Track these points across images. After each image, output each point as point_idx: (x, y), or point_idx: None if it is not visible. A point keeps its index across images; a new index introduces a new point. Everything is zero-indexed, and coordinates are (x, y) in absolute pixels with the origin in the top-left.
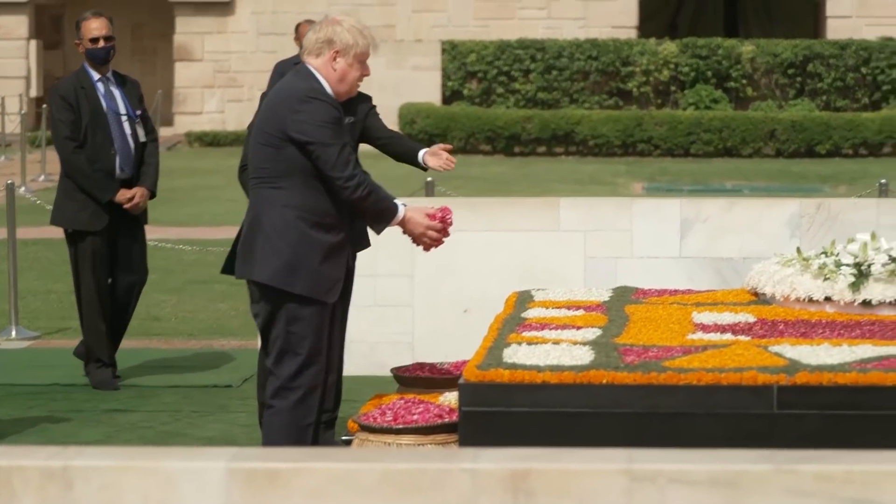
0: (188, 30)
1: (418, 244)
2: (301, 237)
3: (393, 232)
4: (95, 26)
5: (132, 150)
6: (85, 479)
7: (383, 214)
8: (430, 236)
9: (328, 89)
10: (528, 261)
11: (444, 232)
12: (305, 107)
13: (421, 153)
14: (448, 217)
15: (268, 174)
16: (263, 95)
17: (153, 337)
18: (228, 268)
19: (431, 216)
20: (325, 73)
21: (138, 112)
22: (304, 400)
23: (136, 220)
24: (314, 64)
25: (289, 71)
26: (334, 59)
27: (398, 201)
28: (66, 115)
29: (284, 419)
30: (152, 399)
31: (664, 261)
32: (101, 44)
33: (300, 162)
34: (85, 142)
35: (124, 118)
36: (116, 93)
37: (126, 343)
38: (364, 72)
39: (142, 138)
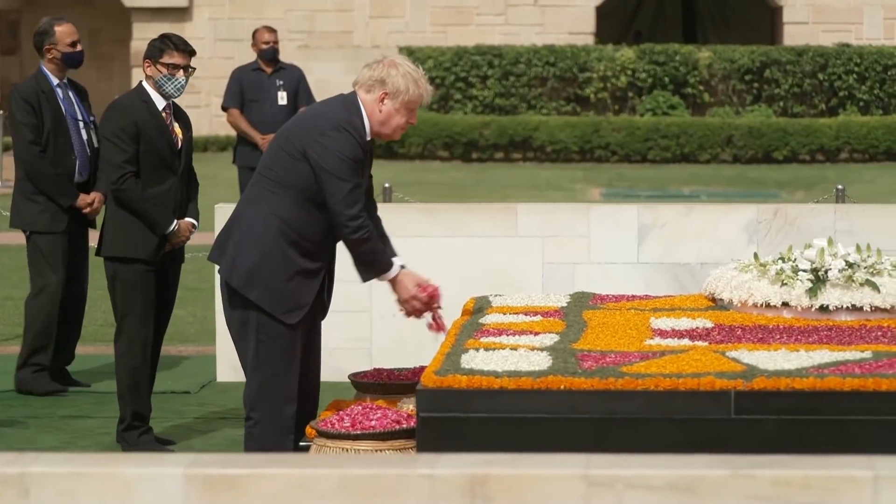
0: (145, 35)
1: (401, 308)
2: (274, 249)
3: None
4: (71, 30)
5: (89, 155)
6: (41, 485)
7: (374, 266)
8: (413, 305)
9: (367, 126)
10: (486, 266)
11: (427, 307)
12: (333, 135)
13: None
14: (436, 297)
15: (272, 177)
16: (227, 104)
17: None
18: None
19: (422, 288)
20: (370, 110)
21: (92, 118)
22: (282, 410)
23: (86, 228)
24: (363, 98)
25: (245, 77)
26: (382, 100)
27: (398, 261)
28: (30, 118)
29: (265, 431)
30: (110, 405)
31: (622, 266)
32: (78, 47)
33: (304, 181)
34: (46, 146)
35: (81, 123)
36: (73, 98)
37: (83, 349)
38: (410, 120)
39: (96, 144)
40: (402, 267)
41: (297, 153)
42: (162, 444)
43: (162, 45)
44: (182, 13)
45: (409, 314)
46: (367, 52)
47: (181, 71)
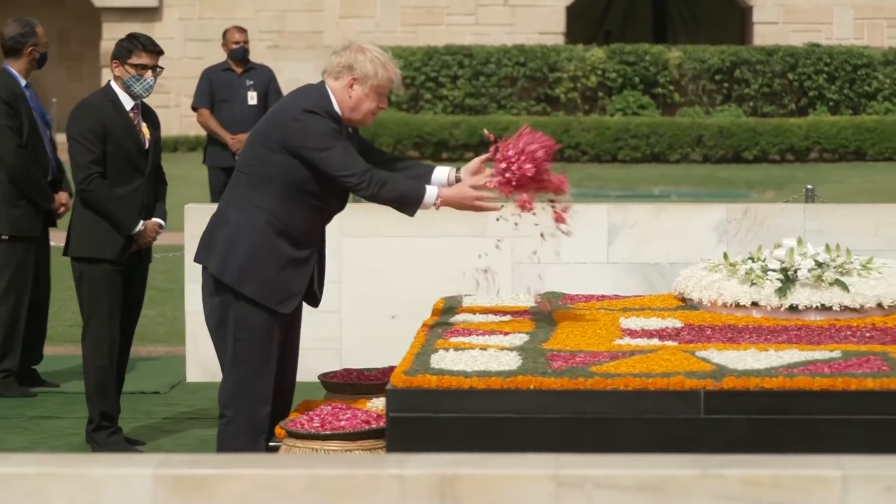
0: (115, 35)
1: (479, 209)
2: (263, 242)
3: None
4: (42, 30)
5: (50, 154)
6: (10, 486)
7: (407, 200)
8: (482, 205)
9: (338, 111)
10: (456, 266)
11: (487, 202)
12: (305, 117)
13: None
14: (504, 167)
15: (252, 172)
16: (197, 104)
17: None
18: None
19: (476, 173)
20: (340, 97)
21: (48, 116)
22: (256, 409)
23: (48, 228)
24: (332, 86)
25: (215, 77)
26: (351, 85)
27: (434, 183)
28: (14, 121)
29: (240, 429)
30: (79, 405)
31: (591, 266)
32: (47, 48)
33: (284, 172)
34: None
35: (43, 124)
36: (36, 98)
37: (53, 350)
38: (381, 105)
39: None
40: (438, 187)
41: (274, 145)
42: (131, 444)
43: (130, 46)
44: (152, 13)
45: (493, 209)
46: None
47: (149, 71)
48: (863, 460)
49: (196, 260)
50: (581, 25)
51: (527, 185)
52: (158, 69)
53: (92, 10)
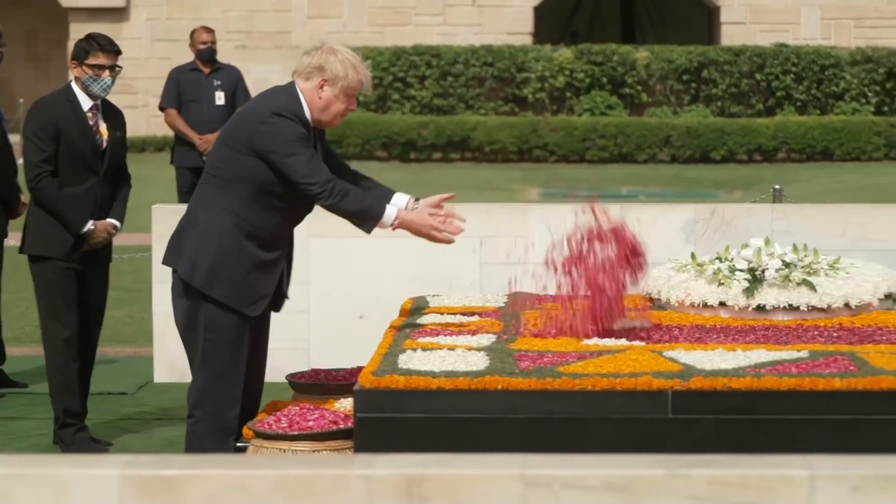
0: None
1: (432, 239)
2: (232, 244)
3: None
4: None
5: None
6: None
7: (366, 215)
8: (438, 236)
9: (307, 114)
10: (424, 267)
11: (447, 227)
12: (273, 120)
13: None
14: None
15: (220, 175)
16: (164, 104)
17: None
18: None
19: (435, 207)
20: (310, 98)
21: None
22: (225, 410)
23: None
24: (302, 87)
25: (183, 78)
26: (321, 86)
27: (396, 204)
28: None
29: (206, 429)
30: (45, 406)
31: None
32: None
33: (252, 174)
34: None
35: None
36: None
37: (19, 350)
38: (350, 106)
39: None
40: (397, 208)
41: (242, 147)
42: (97, 443)
43: (87, 46)
44: (119, 13)
45: (447, 242)
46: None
47: (107, 71)
48: (830, 460)
49: (165, 262)
50: (549, 26)
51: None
52: (117, 69)
53: (59, 10)
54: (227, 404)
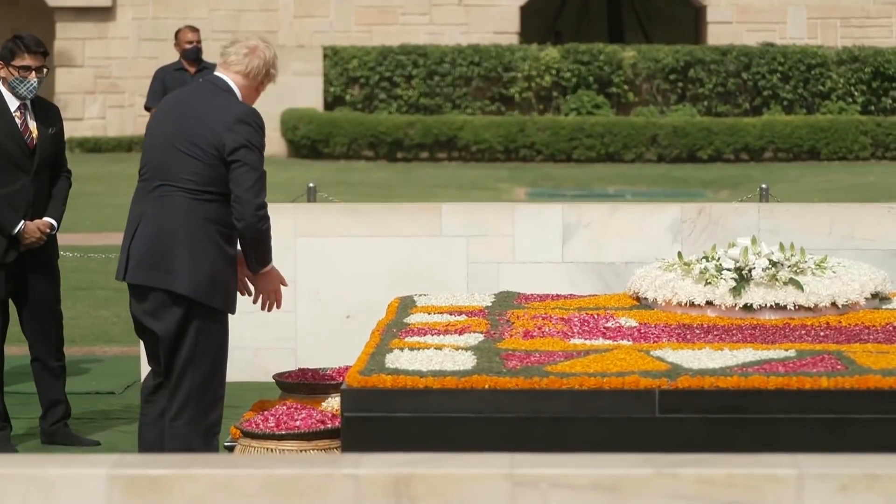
0: (69, 35)
1: (259, 296)
2: (218, 252)
3: (275, 237)
4: None
5: None
6: None
7: (267, 256)
8: (274, 297)
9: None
10: (411, 266)
11: (278, 303)
12: (243, 128)
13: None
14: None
15: (188, 185)
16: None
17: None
18: (123, 274)
19: (282, 283)
20: (246, 94)
21: None
22: (212, 410)
23: None
24: (240, 83)
25: (169, 77)
26: (264, 84)
27: None
28: None
29: (193, 431)
30: (33, 406)
31: (546, 266)
32: None
33: (223, 180)
34: None
35: None
36: None
37: (6, 350)
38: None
39: None
40: None
41: (212, 157)
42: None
43: (13, 47)
44: (105, 13)
45: (264, 305)
46: (291, 51)
47: (33, 73)
48: (818, 459)
49: (154, 283)
50: (535, 25)
51: None
52: (44, 70)
53: (45, 9)
54: (214, 404)
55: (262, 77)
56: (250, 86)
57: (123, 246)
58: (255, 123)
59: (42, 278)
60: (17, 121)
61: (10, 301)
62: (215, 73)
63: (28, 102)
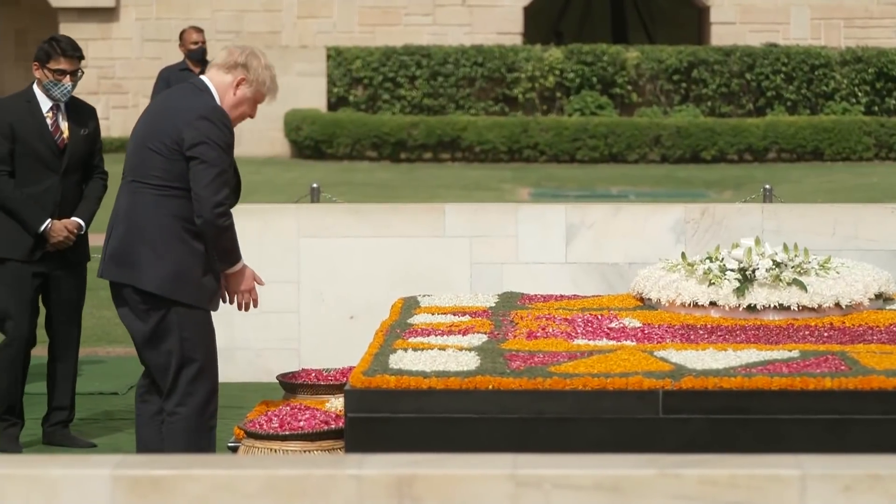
0: (72, 36)
1: (233, 298)
2: (185, 248)
3: (278, 238)
4: None
5: None
6: None
7: (233, 254)
8: (247, 297)
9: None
10: (414, 267)
11: (255, 302)
12: (204, 124)
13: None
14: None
15: (155, 181)
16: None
17: (38, 344)
18: (100, 271)
19: (256, 282)
20: (223, 92)
21: None
22: (208, 403)
23: None
24: (216, 79)
25: (173, 77)
26: (239, 84)
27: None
28: None
29: (191, 424)
30: (37, 406)
31: (550, 266)
32: None
33: (184, 177)
34: None
35: None
36: None
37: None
38: (251, 113)
39: None
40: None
41: (174, 153)
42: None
43: (49, 50)
44: (109, 13)
45: (239, 305)
46: (294, 52)
47: (68, 77)
48: (821, 459)
49: (112, 278)
50: (538, 25)
51: None
52: (80, 73)
53: (49, 10)
54: (209, 398)
55: (234, 72)
56: (227, 83)
57: (104, 244)
58: (219, 121)
59: (69, 279)
60: (49, 121)
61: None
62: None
63: (61, 103)
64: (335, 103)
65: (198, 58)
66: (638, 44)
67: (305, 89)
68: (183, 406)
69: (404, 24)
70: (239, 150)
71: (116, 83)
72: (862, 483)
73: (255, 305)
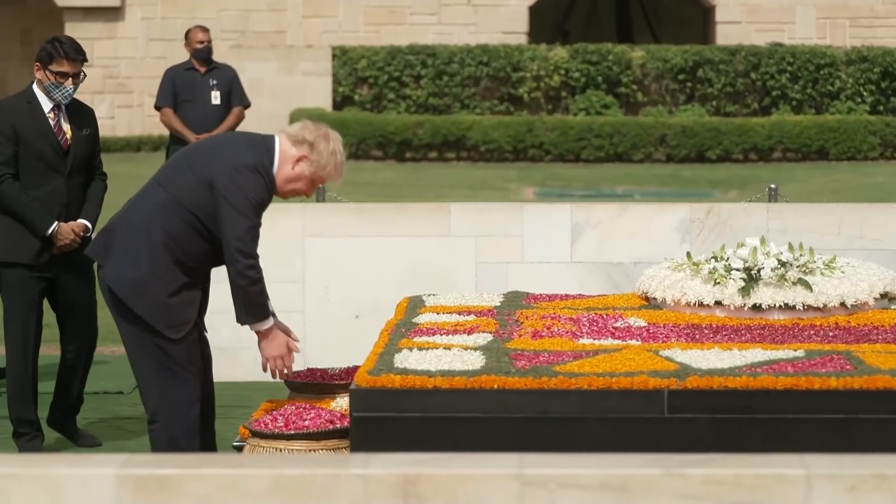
0: (77, 35)
1: (265, 364)
2: (161, 264)
3: (283, 237)
4: None
5: None
6: None
7: (257, 309)
8: (279, 364)
9: (274, 170)
10: (419, 266)
11: (289, 369)
12: (246, 174)
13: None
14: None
15: (171, 191)
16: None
17: (44, 344)
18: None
19: (290, 349)
20: (283, 161)
21: None
22: (186, 412)
23: None
24: (283, 147)
25: (179, 76)
26: (299, 160)
27: (272, 313)
28: None
29: (170, 433)
30: (43, 406)
31: (555, 266)
32: None
33: (202, 205)
34: None
35: None
36: None
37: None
38: (308, 191)
39: None
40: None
41: (204, 180)
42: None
43: (52, 51)
44: (114, 13)
45: (273, 373)
46: (300, 51)
47: (70, 79)
48: (826, 459)
49: (90, 253)
50: (543, 25)
51: None
52: (82, 76)
53: (54, 9)
54: (189, 406)
55: (301, 147)
56: (290, 155)
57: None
58: (262, 176)
59: (77, 281)
60: (51, 122)
61: (48, 306)
62: None
63: (62, 104)
64: (340, 102)
65: (203, 57)
66: (643, 43)
67: (311, 89)
68: (161, 415)
69: (409, 24)
70: None
71: (121, 82)
72: (867, 483)
73: (289, 373)
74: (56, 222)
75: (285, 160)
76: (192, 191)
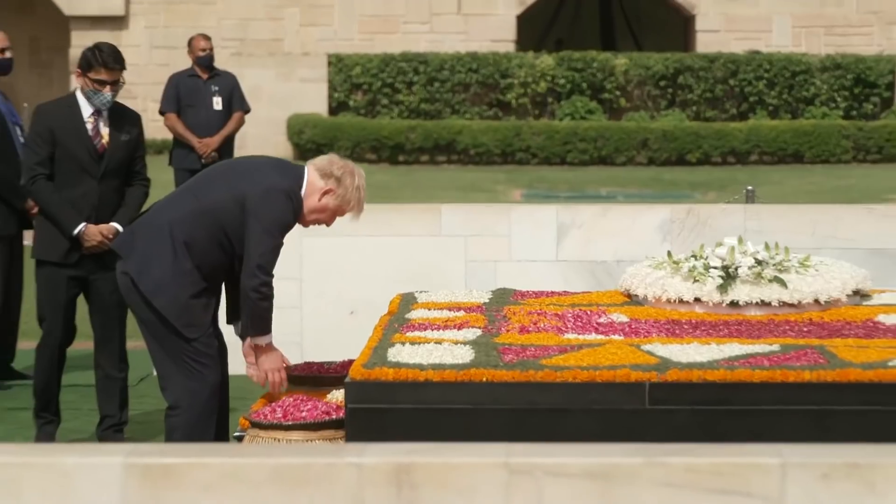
0: (84, 43)
1: (260, 375)
2: (182, 266)
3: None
4: (3, 37)
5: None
6: None
7: (262, 324)
8: (275, 377)
9: (301, 199)
10: (412, 264)
11: (284, 382)
12: (278, 196)
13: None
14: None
15: (203, 201)
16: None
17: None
18: None
19: (287, 368)
20: (310, 192)
21: (19, 120)
22: (206, 399)
23: (22, 232)
24: (311, 178)
25: (182, 83)
26: (325, 192)
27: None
28: None
29: (188, 419)
30: (82, 399)
31: (541, 264)
32: (8, 54)
33: (231, 222)
34: None
35: (18, 128)
36: (6, 102)
37: (26, 344)
38: (329, 222)
39: None
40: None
41: (237, 198)
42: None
43: (92, 59)
44: (119, 21)
45: (272, 385)
46: (297, 58)
47: (108, 87)
48: (800, 448)
49: (116, 247)
50: (529, 33)
51: None
52: (120, 83)
53: (62, 18)
54: (209, 393)
55: (328, 180)
56: (317, 187)
57: None
58: (292, 202)
59: (105, 282)
60: (89, 125)
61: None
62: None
63: (113, 106)
64: (336, 108)
65: (206, 64)
66: (626, 51)
67: (307, 95)
68: (183, 401)
69: (402, 32)
70: (244, 154)
71: (126, 89)
72: (839, 471)
73: (284, 386)
74: (84, 223)
75: (313, 191)
76: (223, 205)
